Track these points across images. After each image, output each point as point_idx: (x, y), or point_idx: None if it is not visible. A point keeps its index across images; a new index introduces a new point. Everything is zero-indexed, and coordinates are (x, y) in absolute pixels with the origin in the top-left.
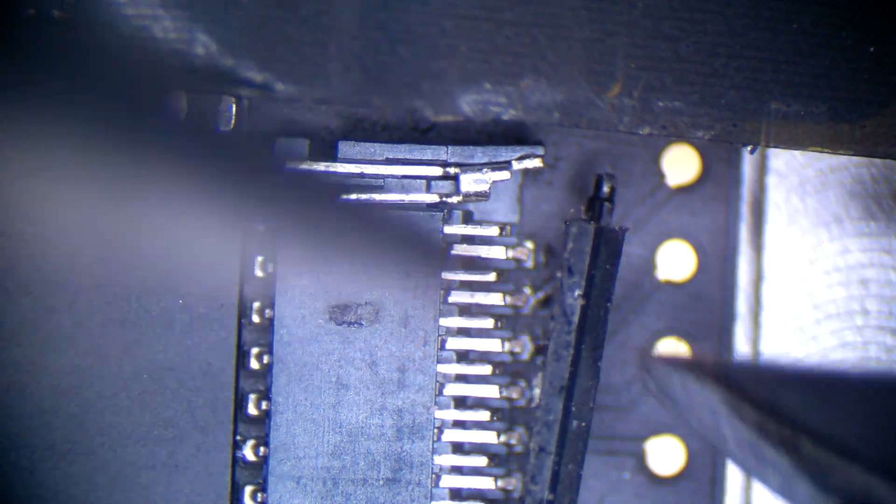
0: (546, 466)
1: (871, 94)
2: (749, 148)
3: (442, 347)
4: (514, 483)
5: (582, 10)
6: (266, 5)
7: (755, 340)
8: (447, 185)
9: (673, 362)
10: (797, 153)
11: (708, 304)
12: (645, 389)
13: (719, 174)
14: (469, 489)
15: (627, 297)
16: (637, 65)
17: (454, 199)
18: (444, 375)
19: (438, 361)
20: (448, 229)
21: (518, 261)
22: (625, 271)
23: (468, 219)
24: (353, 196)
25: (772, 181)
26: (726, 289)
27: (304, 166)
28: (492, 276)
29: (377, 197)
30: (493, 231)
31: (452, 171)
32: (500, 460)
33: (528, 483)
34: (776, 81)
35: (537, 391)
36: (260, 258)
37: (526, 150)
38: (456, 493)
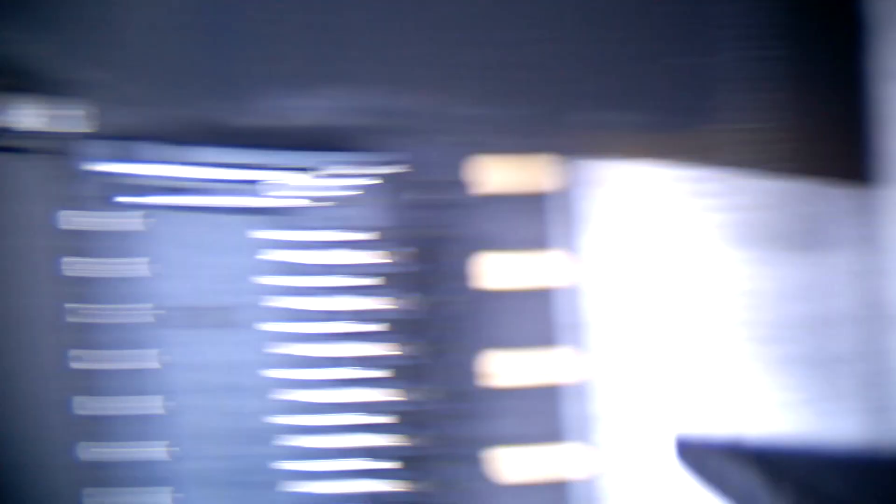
0: (405, 473)
1: (684, 104)
2: (559, 158)
3: (289, 353)
4: (371, 490)
5: (388, 13)
6: (67, 6)
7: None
8: (255, 190)
9: (709, 443)
10: (610, 164)
11: (542, 315)
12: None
13: (533, 185)
14: (328, 495)
15: (467, 306)
16: (442, 72)
17: (263, 205)
18: (304, 380)
19: (290, 366)
20: (260, 235)
21: (350, 266)
22: (459, 281)
23: (280, 224)
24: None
25: (585, 193)
26: (559, 300)
27: (108, 168)
28: (337, 281)
29: (185, 202)
30: (308, 237)
31: (262, 175)
32: (359, 466)
33: (383, 490)
34: (586, 91)
35: (392, 395)
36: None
37: (342, 156)
38: (315, 499)
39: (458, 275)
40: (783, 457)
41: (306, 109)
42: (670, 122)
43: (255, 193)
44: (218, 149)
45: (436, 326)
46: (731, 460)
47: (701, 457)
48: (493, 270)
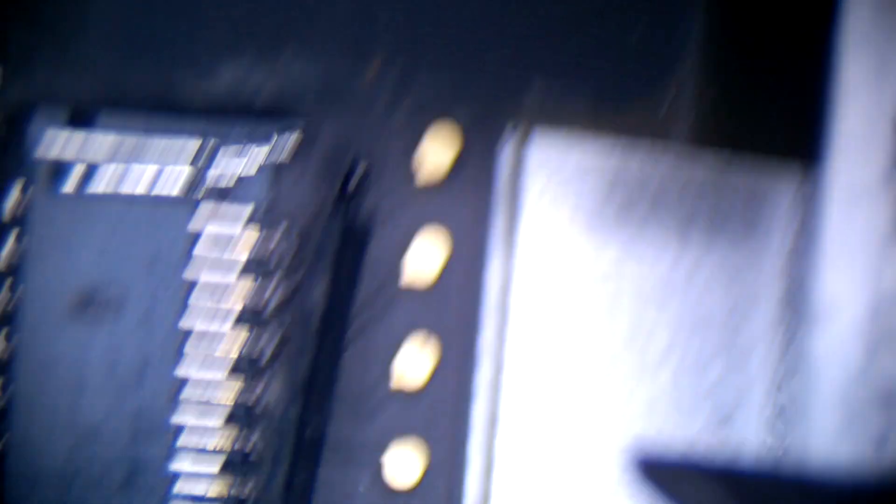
0: (279, 473)
1: (639, 75)
2: (511, 126)
3: (182, 347)
4: (247, 490)
5: None
6: None
7: (501, 340)
8: (204, 161)
9: (668, 462)
10: (559, 145)
11: (458, 304)
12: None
13: (475, 169)
14: (203, 495)
15: (375, 292)
16: (398, 38)
17: (211, 175)
18: (184, 377)
19: (178, 362)
20: (202, 208)
21: (266, 251)
22: (374, 264)
23: (222, 196)
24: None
25: (530, 175)
26: (477, 287)
27: (63, 135)
28: (233, 275)
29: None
30: (246, 212)
31: (210, 145)
32: (235, 466)
33: (261, 490)
34: (541, 59)
35: (273, 395)
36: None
37: (283, 127)
38: (191, 499)
39: (380, 258)
40: (746, 478)
41: (262, 80)
42: (619, 97)
43: (200, 164)
44: (171, 117)
45: (343, 314)
46: (691, 481)
47: (655, 471)
48: (424, 256)
